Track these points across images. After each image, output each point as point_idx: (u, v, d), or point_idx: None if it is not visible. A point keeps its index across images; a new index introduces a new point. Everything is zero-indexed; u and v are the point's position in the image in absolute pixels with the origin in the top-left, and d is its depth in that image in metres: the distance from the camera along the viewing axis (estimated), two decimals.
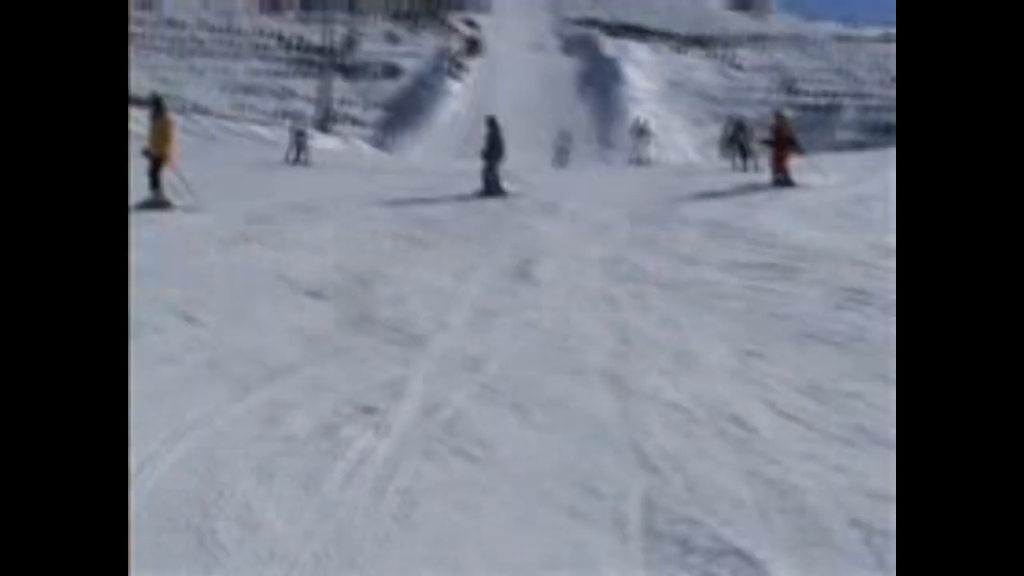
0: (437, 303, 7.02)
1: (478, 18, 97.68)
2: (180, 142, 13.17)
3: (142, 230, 10.05)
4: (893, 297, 6.10)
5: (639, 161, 34.37)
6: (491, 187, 15.69)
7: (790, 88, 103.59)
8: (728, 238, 10.09)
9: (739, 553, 3.16)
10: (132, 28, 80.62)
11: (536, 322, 6.57)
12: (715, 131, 50.02)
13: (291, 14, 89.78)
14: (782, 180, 15.41)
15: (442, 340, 5.95)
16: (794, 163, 15.77)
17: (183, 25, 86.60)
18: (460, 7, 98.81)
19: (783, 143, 16.00)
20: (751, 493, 3.66)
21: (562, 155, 31.62)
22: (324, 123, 37.31)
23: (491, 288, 7.71)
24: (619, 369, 5.38)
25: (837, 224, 10.74)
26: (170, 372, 5.14)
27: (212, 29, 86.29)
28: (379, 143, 54.02)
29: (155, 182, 12.40)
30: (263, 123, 58.90)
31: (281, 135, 35.65)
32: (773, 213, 11.87)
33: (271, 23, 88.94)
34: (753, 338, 6.10)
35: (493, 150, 16.14)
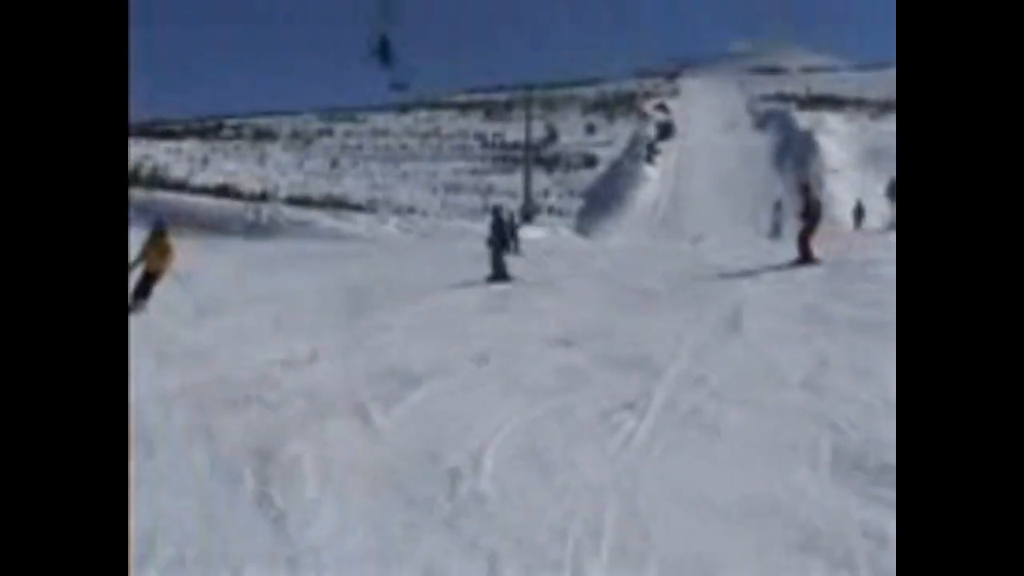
0: (665, 346, 8.71)
1: (669, 103, 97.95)
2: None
3: (410, 304, 12.35)
4: None
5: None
6: (499, 272, 16.35)
7: None
8: None
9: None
10: (344, 140, 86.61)
11: (745, 355, 8.18)
12: None
13: (490, 114, 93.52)
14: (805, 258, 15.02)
15: (674, 368, 7.65)
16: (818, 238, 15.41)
17: (390, 133, 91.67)
18: (650, 94, 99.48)
19: (811, 217, 15.33)
20: None
21: (777, 227, 32.45)
22: (528, 215, 39.51)
23: (706, 335, 9.33)
24: (813, 380, 6.95)
25: None
26: (475, 395, 7.07)
27: (417, 135, 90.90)
28: (580, 230, 55.75)
29: (144, 294, 12.43)
30: (470, 218, 61.77)
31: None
32: None
33: (472, 124, 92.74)
34: None
35: (498, 238, 16.83)
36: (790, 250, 16.15)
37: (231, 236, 32.33)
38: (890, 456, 4.93)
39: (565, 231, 53.77)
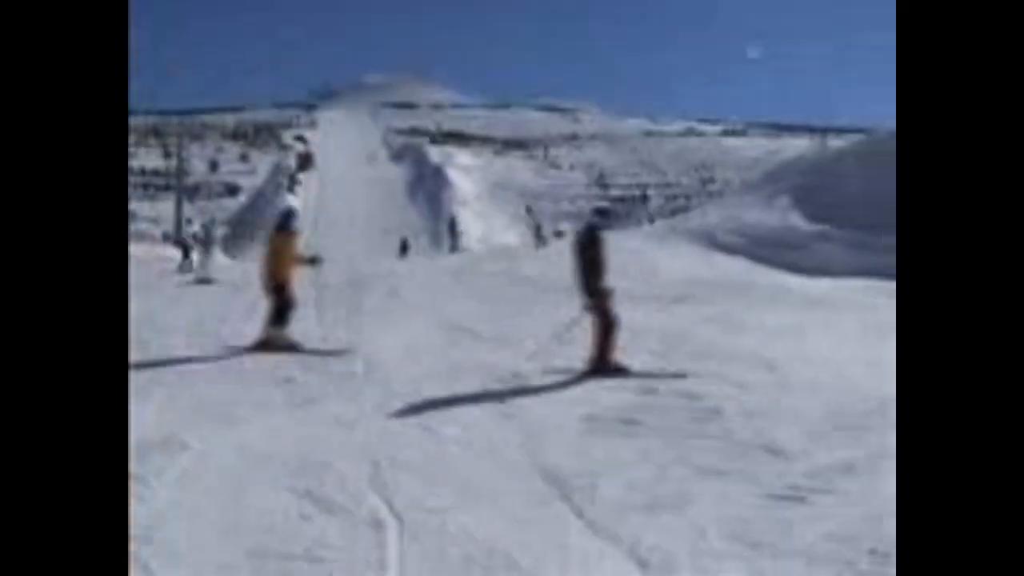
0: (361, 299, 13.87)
1: (308, 134, 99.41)
2: None
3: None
4: None
5: (454, 249, 43.62)
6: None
7: (603, 182, 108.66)
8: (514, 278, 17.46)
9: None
10: None
11: (400, 300, 13.62)
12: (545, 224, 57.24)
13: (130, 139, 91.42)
14: None
15: (376, 290, 12.86)
16: None
17: None
18: (290, 125, 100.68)
19: None
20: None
21: (404, 250, 39.57)
22: (178, 241, 42.04)
23: (378, 300, 14.56)
24: (449, 299, 12.49)
25: None
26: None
27: None
28: (229, 255, 58.36)
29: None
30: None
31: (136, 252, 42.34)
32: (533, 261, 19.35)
33: None
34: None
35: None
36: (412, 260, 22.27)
37: None
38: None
39: (219, 256, 56.02)
